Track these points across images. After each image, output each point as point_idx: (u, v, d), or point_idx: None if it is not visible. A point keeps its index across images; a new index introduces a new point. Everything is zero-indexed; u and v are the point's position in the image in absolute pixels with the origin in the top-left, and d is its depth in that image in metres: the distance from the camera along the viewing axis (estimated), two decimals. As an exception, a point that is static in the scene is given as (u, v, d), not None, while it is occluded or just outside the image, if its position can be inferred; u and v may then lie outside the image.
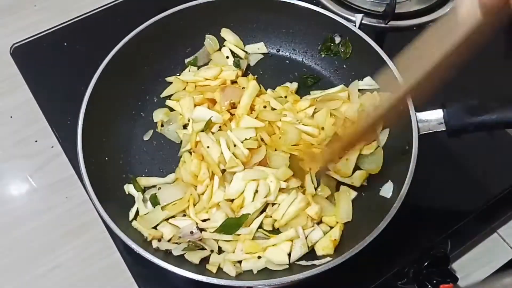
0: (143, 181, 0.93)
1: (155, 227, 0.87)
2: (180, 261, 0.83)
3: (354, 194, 0.92)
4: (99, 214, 0.81)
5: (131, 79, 1.01)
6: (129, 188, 0.92)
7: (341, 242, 0.86)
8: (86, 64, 0.95)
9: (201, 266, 0.83)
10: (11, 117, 1.08)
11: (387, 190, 0.88)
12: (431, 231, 0.93)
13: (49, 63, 1.12)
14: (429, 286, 0.86)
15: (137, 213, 0.89)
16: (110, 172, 0.92)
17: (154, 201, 0.89)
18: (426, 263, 0.88)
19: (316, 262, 0.82)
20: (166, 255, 0.84)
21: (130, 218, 0.87)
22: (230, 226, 0.85)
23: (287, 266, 0.83)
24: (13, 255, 0.93)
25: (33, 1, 1.26)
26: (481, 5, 0.45)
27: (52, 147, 1.04)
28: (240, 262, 0.84)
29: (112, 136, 0.96)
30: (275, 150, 0.92)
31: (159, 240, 0.86)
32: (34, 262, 0.92)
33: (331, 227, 0.88)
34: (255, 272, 0.83)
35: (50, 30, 1.17)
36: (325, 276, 0.77)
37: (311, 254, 0.85)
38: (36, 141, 1.05)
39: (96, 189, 0.83)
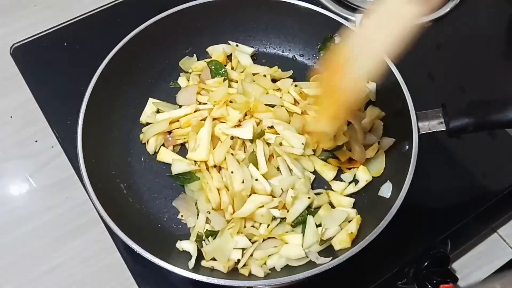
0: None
1: None
2: (180, 261, 0.83)
3: None
4: (99, 214, 0.81)
5: (131, 79, 1.01)
6: (182, 245, 0.86)
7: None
8: (86, 64, 0.94)
9: (202, 266, 0.84)
10: (11, 117, 1.09)
11: (385, 190, 0.89)
12: (431, 231, 0.93)
13: (49, 63, 1.12)
14: (429, 286, 0.86)
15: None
16: (110, 172, 0.92)
17: (212, 234, 0.87)
18: (426, 263, 0.88)
19: (317, 261, 0.82)
20: (166, 255, 0.84)
21: (191, 267, 0.82)
22: None
23: (307, 259, 0.84)
24: (13, 255, 0.93)
25: (33, 1, 1.26)
26: None
27: (52, 147, 1.04)
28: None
29: (113, 136, 0.96)
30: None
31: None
32: (34, 262, 0.92)
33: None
34: (278, 270, 0.84)
35: (50, 30, 1.17)
36: (325, 276, 0.77)
37: (329, 249, 0.85)
38: (36, 141, 1.05)
39: (96, 189, 0.83)
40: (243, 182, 0.87)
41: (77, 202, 0.97)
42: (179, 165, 0.92)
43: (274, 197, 0.89)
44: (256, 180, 0.88)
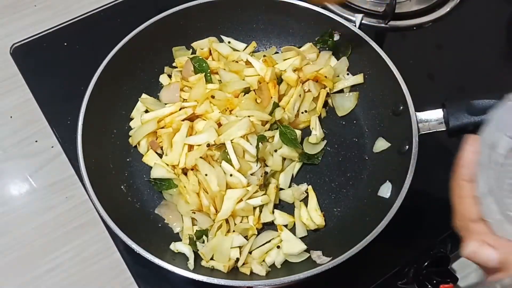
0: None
1: None
2: (180, 261, 0.83)
3: None
4: (99, 214, 0.81)
5: (131, 79, 1.01)
6: (176, 246, 0.86)
7: (341, 242, 0.86)
8: (86, 64, 0.95)
9: (202, 266, 0.84)
10: (11, 117, 1.08)
11: (385, 190, 0.88)
12: (431, 231, 0.93)
13: (49, 63, 1.12)
14: (429, 286, 0.86)
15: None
16: (110, 171, 0.92)
17: (202, 233, 0.87)
18: (426, 263, 0.88)
19: (317, 260, 0.82)
20: (167, 255, 0.84)
21: (192, 268, 0.82)
22: None
23: (307, 255, 0.84)
24: (13, 255, 0.93)
25: (33, 1, 1.26)
26: None
27: (52, 147, 1.04)
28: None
29: (113, 136, 0.96)
30: None
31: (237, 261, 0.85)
32: (34, 262, 0.92)
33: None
34: (278, 266, 0.84)
35: (50, 30, 1.17)
36: (325, 276, 0.77)
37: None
38: (36, 141, 1.05)
39: (96, 189, 0.83)
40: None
41: (77, 202, 0.97)
42: (158, 171, 0.91)
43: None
44: (231, 175, 0.87)
